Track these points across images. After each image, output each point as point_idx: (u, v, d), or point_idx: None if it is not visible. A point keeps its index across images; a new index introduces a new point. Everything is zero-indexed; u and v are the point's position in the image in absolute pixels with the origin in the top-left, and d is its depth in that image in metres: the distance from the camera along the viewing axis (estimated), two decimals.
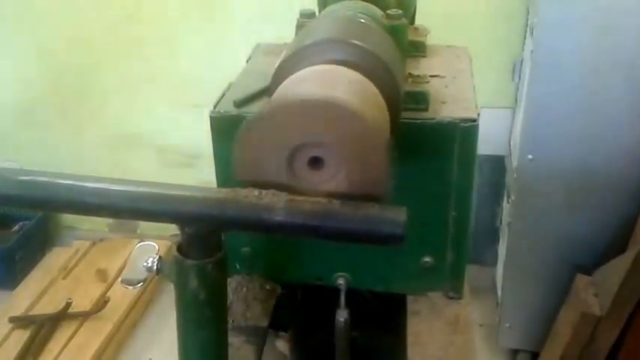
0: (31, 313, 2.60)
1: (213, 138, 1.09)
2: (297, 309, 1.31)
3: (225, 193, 0.78)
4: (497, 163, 2.40)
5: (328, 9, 1.13)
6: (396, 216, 0.74)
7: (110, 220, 2.98)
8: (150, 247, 0.93)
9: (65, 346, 2.44)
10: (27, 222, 2.97)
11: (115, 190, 0.78)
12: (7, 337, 2.48)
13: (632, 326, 1.92)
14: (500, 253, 2.41)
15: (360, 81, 0.85)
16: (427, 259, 1.12)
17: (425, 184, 1.06)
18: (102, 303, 2.61)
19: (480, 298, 2.48)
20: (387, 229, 0.74)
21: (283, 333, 1.38)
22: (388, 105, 0.87)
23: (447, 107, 1.06)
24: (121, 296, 2.65)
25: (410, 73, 1.17)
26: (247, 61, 1.31)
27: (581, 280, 2.05)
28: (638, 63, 1.81)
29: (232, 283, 1.18)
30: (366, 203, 0.75)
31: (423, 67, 1.23)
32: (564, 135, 1.92)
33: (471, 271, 1.19)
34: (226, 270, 0.83)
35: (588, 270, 2.06)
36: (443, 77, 1.18)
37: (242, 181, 0.79)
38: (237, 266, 1.18)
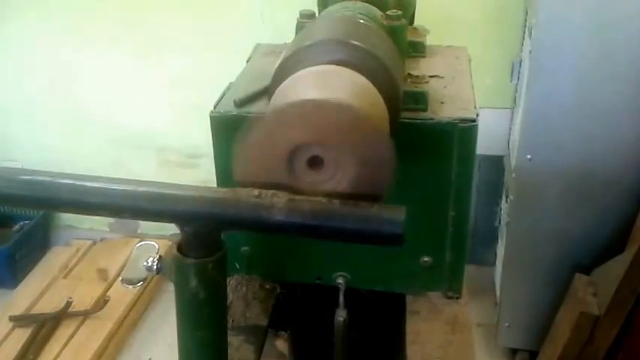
0: (31, 312, 2.60)
1: (213, 138, 1.09)
2: (297, 308, 1.32)
3: (224, 192, 0.78)
4: (496, 163, 2.40)
5: (328, 10, 1.14)
6: (395, 216, 0.74)
7: (110, 220, 2.98)
8: (150, 247, 0.94)
9: (66, 345, 2.44)
10: (27, 221, 2.98)
11: (115, 189, 0.79)
12: (7, 336, 2.49)
13: (630, 326, 1.92)
14: (499, 253, 2.41)
15: (360, 81, 0.85)
16: (426, 258, 1.12)
17: (424, 184, 1.06)
18: (102, 302, 2.62)
19: (478, 298, 2.48)
20: (386, 229, 0.74)
21: (283, 332, 1.38)
22: (387, 105, 0.88)
23: (446, 107, 1.07)
24: (122, 295, 2.65)
25: (409, 74, 1.17)
26: (247, 61, 1.31)
27: (579, 279, 2.05)
28: (636, 63, 1.82)
29: (232, 282, 1.19)
30: (366, 203, 0.75)
31: (423, 67, 1.23)
32: (563, 135, 1.93)
33: (470, 271, 1.20)
34: (226, 269, 0.83)
35: (587, 269, 2.07)
36: (442, 77, 1.19)
37: (242, 181, 0.79)
38: (237, 265, 1.19)
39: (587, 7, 1.78)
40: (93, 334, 2.48)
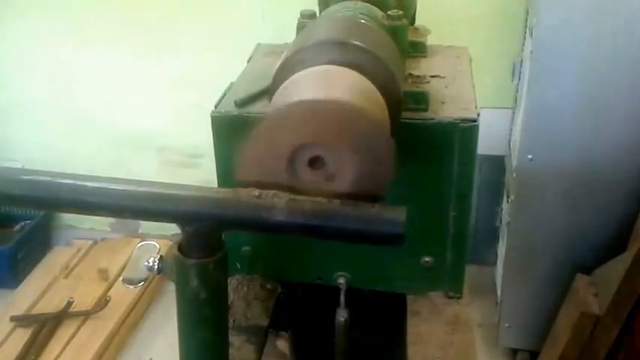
0: (32, 312, 2.60)
1: (214, 138, 1.09)
2: (298, 308, 1.32)
3: (225, 192, 0.78)
4: (497, 163, 2.40)
5: (329, 9, 1.14)
6: (396, 216, 0.74)
7: (111, 220, 2.98)
8: (151, 247, 0.94)
9: (66, 345, 2.44)
10: (28, 221, 2.98)
11: (116, 189, 0.79)
12: (8, 336, 2.49)
13: (631, 326, 1.92)
14: (499, 253, 2.41)
15: (361, 81, 0.85)
16: (427, 258, 1.12)
17: (425, 184, 1.06)
18: (103, 302, 2.61)
19: (479, 298, 2.48)
20: (387, 229, 0.74)
21: (284, 332, 1.39)
22: (388, 105, 0.88)
23: (447, 107, 1.07)
24: (122, 295, 2.65)
25: (410, 74, 1.17)
26: (248, 61, 1.32)
27: (580, 279, 2.05)
28: (637, 63, 1.82)
29: (233, 282, 1.19)
30: (366, 203, 0.76)
31: (423, 67, 1.23)
32: (564, 135, 1.93)
33: (471, 271, 1.20)
34: (227, 269, 0.83)
35: (588, 269, 2.06)
36: (443, 77, 1.19)
37: (243, 181, 0.79)
38: (238, 265, 1.19)
39: (587, 7, 1.78)
40: (94, 334, 2.48)
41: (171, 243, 0.87)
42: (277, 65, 0.92)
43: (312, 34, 0.94)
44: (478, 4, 2.33)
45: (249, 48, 1.37)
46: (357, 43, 0.90)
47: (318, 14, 1.16)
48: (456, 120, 1.02)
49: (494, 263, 2.50)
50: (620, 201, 1.99)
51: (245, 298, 1.17)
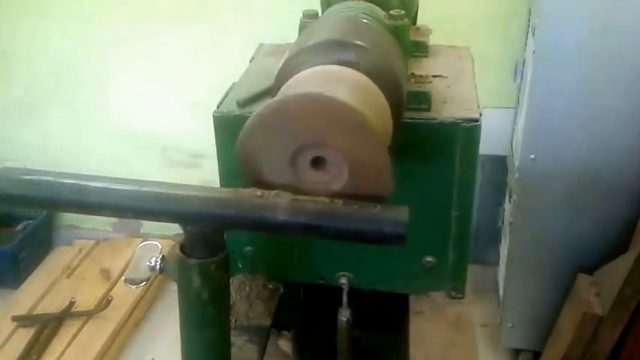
0: (34, 312, 2.61)
1: (216, 138, 1.09)
2: (300, 308, 1.32)
3: (227, 192, 0.78)
4: (500, 163, 2.40)
5: (331, 9, 1.14)
6: (398, 216, 0.74)
7: (113, 220, 2.98)
8: (153, 247, 0.94)
9: (68, 345, 2.45)
10: (30, 221, 2.98)
11: (118, 189, 0.79)
12: (10, 335, 2.49)
13: (633, 326, 1.92)
14: (502, 253, 2.41)
15: (363, 81, 0.85)
16: (429, 258, 1.12)
17: (427, 183, 1.06)
18: (105, 302, 2.62)
19: (482, 298, 2.48)
20: (389, 229, 0.74)
21: (286, 332, 1.38)
22: (390, 105, 0.88)
23: (449, 107, 1.07)
24: (124, 295, 2.65)
25: (412, 73, 1.17)
26: (250, 61, 1.32)
27: (583, 279, 2.05)
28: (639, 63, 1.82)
29: (235, 282, 1.18)
30: (368, 203, 0.75)
31: (426, 67, 1.23)
32: (566, 135, 1.93)
33: (473, 271, 1.19)
34: (229, 269, 0.83)
35: (590, 270, 2.06)
36: (445, 77, 1.18)
37: (245, 180, 0.79)
38: (240, 265, 1.19)
39: (590, 7, 1.78)
40: (96, 334, 2.49)
41: (173, 243, 0.87)
42: (279, 65, 0.92)
43: (315, 34, 0.94)
44: (480, 4, 2.33)
45: (251, 48, 1.37)
46: (360, 42, 0.89)
47: (320, 14, 1.16)
48: (458, 120, 1.02)
49: (497, 263, 2.49)
50: (622, 201, 1.99)
51: (247, 298, 1.17)
